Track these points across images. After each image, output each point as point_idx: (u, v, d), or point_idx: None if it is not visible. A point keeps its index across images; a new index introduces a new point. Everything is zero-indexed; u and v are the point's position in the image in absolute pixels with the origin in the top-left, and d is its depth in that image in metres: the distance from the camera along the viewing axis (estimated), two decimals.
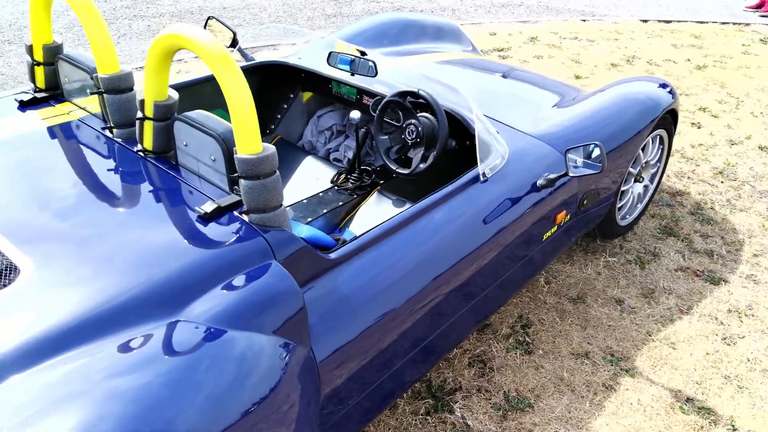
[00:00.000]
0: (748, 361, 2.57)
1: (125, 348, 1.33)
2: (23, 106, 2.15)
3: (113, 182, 1.79)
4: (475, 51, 4.09)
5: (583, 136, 2.69)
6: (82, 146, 1.94)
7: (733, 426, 2.28)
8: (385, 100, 2.56)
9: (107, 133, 2.01)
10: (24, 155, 1.87)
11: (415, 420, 2.25)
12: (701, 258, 3.20)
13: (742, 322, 2.79)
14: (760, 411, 2.35)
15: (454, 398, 2.34)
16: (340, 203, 2.75)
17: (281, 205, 1.67)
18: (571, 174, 2.31)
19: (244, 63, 3.11)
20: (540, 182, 2.38)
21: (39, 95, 2.19)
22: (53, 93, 2.22)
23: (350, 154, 3.18)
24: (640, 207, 3.36)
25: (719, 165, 4.12)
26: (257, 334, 1.47)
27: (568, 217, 2.62)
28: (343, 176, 2.89)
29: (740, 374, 2.51)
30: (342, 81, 2.98)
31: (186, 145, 1.82)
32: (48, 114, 2.11)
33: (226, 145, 1.69)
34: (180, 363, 1.32)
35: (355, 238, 1.86)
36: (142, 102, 1.83)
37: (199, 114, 1.78)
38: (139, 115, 1.86)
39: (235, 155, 1.59)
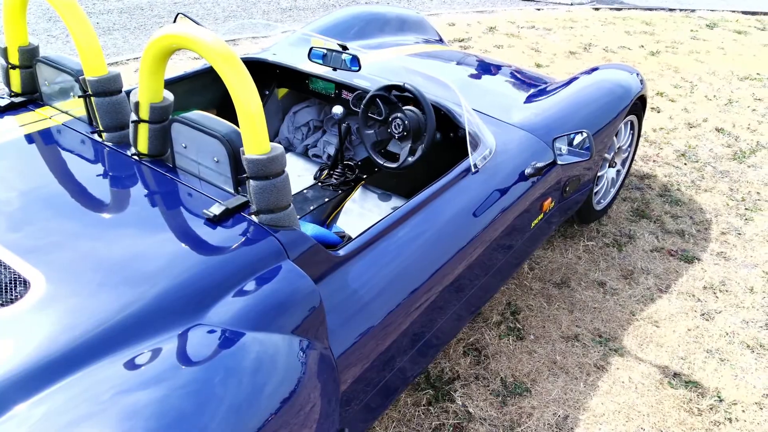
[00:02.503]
0: (727, 335, 2.69)
1: (138, 362, 1.30)
2: (0, 111, 2.06)
3: (110, 189, 1.73)
4: (441, 42, 4.11)
5: (563, 124, 2.75)
6: (71, 152, 1.87)
7: (719, 397, 2.39)
8: (370, 94, 2.55)
9: (96, 137, 1.95)
10: (10, 163, 1.80)
11: (418, 411, 2.27)
12: (674, 238, 3.32)
13: (717, 297, 2.91)
14: (743, 381, 2.46)
15: (453, 387, 2.37)
16: (326, 199, 2.74)
17: (290, 204, 1.65)
18: (559, 162, 2.36)
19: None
20: (528, 171, 2.42)
21: (16, 100, 2.10)
22: (31, 97, 2.14)
23: (330, 150, 3.17)
24: (612, 191, 3.46)
25: (681, 148, 4.27)
26: (278, 335, 1.46)
27: (553, 204, 2.68)
28: (326, 172, 2.88)
29: (721, 347, 2.62)
30: (320, 76, 2.96)
31: (185, 147, 1.78)
32: (29, 119, 2.03)
33: (231, 146, 1.67)
34: (200, 372, 1.29)
35: (360, 234, 1.86)
36: (137, 104, 1.78)
37: (199, 115, 1.74)
38: (134, 117, 1.81)
39: (243, 156, 1.57)
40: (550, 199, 2.63)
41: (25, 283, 1.38)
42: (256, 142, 1.55)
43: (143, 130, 1.82)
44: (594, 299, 2.87)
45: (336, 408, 1.60)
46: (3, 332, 1.28)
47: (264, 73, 3.23)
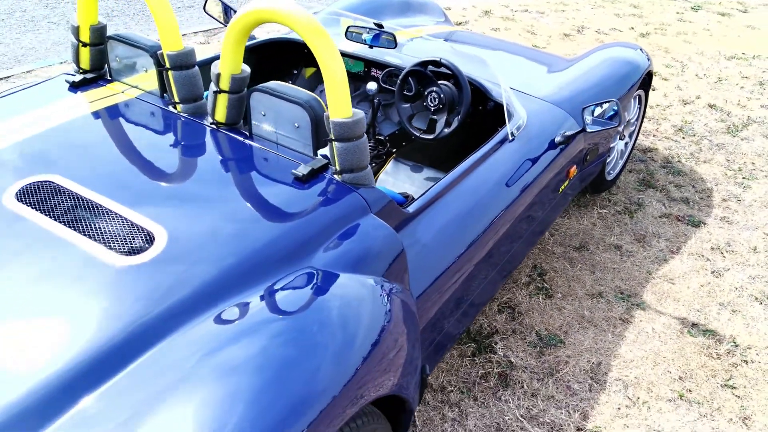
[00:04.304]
0: (736, 289, 2.92)
1: (228, 317, 1.37)
2: (74, 87, 2.18)
3: (198, 155, 1.88)
4: (448, 22, 4.27)
5: (585, 97, 2.94)
6: (152, 123, 2.01)
7: (735, 343, 2.62)
8: (407, 69, 2.71)
9: (171, 109, 2.08)
10: (101, 133, 1.93)
11: (464, 362, 2.46)
12: (679, 205, 3.55)
13: (724, 257, 3.14)
14: (754, 329, 2.70)
15: (493, 341, 2.57)
16: None
17: (368, 164, 1.81)
18: (588, 130, 2.55)
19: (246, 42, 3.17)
20: (557, 139, 2.61)
21: (88, 76, 2.21)
22: (99, 73, 2.26)
23: None
24: (621, 163, 3.68)
25: (678, 123, 4.50)
26: (370, 280, 1.62)
27: (576, 171, 2.87)
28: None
29: (731, 301, 2.85)
30: (351, 54, 3.10)
31: (264, 115, 1.92)
32: (103, 94, 2.15)
33: (313, 111, 1.82)
34: (297, 320, 1.39)
35: (422, 195, 2.03)
36: (218, 75, 1.92)
37: (278, 84, 1.89)
38: (214, 88, 1.95)
39: (329, 120, 1.72)
40: (575, 167, 2.82)
41: (150, 237, 1.52)
42: (342, 107, 1.71)
43: (222, 100, 1.96)
44: (612, 261, 3.08)
45: (419, 351, 1.76)
46: (132, 281, 1.41)
47: (292, 52, 3.36)
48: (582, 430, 2.22)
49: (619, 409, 2.31)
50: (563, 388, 2.38)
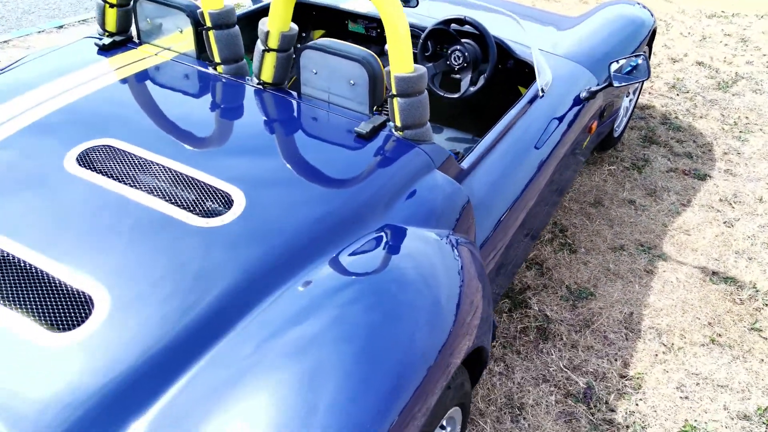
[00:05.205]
0: (749, 238, 3.02)
1: (311, 283, 1.33)
2: (104, 50, 2.09)
3: (252, 117, 1.82)
4: None
5: (600, 53, 2.95)
6: (197, 85, 1.94)
7: (755, 288, 2.71)
8: (430, 27, 2.68)
9: (210, 70, 2.01)
10: (145, 97, 1.85)
11: (502, 318, 2.49)
12: (684, 160, 3.63)
13: (733, 208, 3.23)
14: None
15: (526, 296, 2.60)
16: None
17: (428, 120, 1.79)
18: (615, 84, 2.56)
19: (253, 6, 3.08)
20: (583, 95, 2.62)
21: (117, 38, 2.12)
22: (126, 36, 2.17)
23: None
24: (625, 120, 3.72)
25: (670, 80, 4.58)
26: (441, 235, 1.61)
27: (596, 126, 2.90)
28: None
29: (746, 249, 2.95)
30: (365, 15, 3.04)
31: (315, 74, 1.88)
32: (136, 56, 2.06)
33: (371, 68, 1.78)
34: (392, 279, 1.36)
35: (470, 152, 2.02)
36: (267, 33, 1.86)
37: (331, 41, 1.84)
38: (262, 46, 1.89)
39: (393, 75, 1.69)
40: (595, 123, 2.85)
41: (228, 199, 1.48)
42: (405, 62, 1.68)
43: (270, 59, 1.90)
44: (628, 215, 3.14)
45: (491, 300, 1.75)
46: (217, 243, 1.38)
47: (301, 15, 3.28)
48: (625, 377, 2.28)
49: (656, 355, 2.38)
50: (600, 339, 2.43)
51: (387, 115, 2.11)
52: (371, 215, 1.56)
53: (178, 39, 2.10)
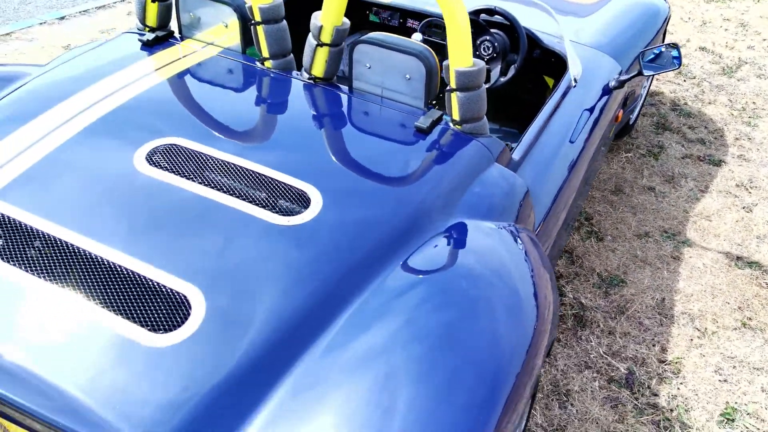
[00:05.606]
0: None
1: (389, 286, 1.34)
2: (148, 46, 2.06)
3: (312, 113, 1.81)
4: None
5: (622, 41, 2.98)
6: (250, 81, 1.92)
7: None
8: None
9: (258, 65, 2.00)
10: (201, 93, 1.83)
11: None
12: (697, 146, 3.68)
13: (750, 193, 3.30)
14: None
15: (560, 284, 2.64)
16: None
17: (485, 114, 1.81)
18: (646, 73, 2.59)
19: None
20: (612, 84, 2.65)
21: (159, 34, 2.09)
22: (168, 31, 2.14)
23: None
24: (638, 107, 3.76)
25: None
26: (510, 226, 1.63)
27: (622, 115, 2.93)
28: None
29: (767, 233, 3.01)
30: (387, 5, 3.03)
31: (369, 68, 1.87)
32: (182, 52, 2.04)
33: (428, 62, 1.78)
34: (461, 275, 1.38)
35: (519, 142, 2.03)
36: (320, 28, 1.85)
37: (385, 35, 1.84)
38: (314, 42, 1.88)
39: (453, 69, 1.70)
40: (621, 111, 2.88)
41: (304, 198, 1.48)
42: (465, 56, 1.69)
43: (322, 53, 1.90)
44: (649, 202, 3.19)
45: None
46: (298, 242, 1.38)
47: (313, 5, 3.25)
48: (664, 361, 2.33)
49: (691, 340, 2.43)
50: (636, 325, 2.48)
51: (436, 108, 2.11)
52: (440, 211, 1.57)
53: (221, 33, 2.08)
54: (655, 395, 2.21)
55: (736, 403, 2.20)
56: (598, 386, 2.23)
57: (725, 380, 2.28)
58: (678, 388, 2.24)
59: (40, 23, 4.59)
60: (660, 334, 2.45)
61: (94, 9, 4.93)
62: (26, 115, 1.69)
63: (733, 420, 2.14)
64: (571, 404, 2.16)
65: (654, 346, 2.40)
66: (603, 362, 2.32)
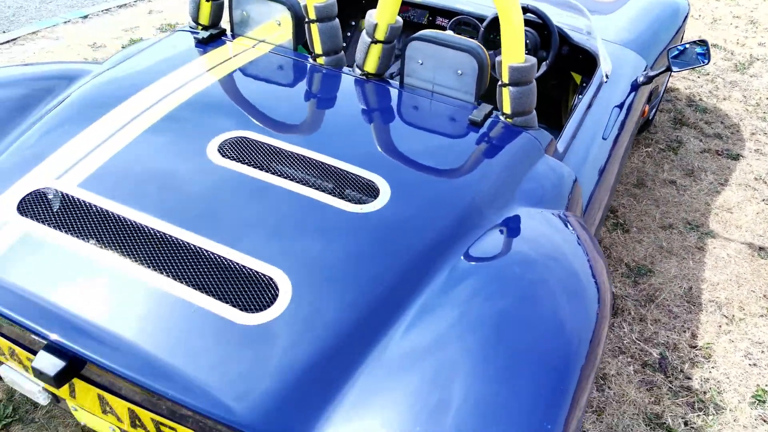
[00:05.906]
0: None
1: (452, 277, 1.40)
2: (203, 43, 2.13)
3: (371, 107, 1.89)
4: None
5: (646, 38, 3.06)
6: (306, 77, 2.00)
7: None
8: (491, 16, 2.75)
9: (311, 61, 2.08)
10: (262, 88, 1.91)
11: None
12: (715, 141, 3.77)
13: None
14: None
15: None
16: None
17: (534, 108, 1.89)
18: (675, 70, 2.68)
19: None
20: (640, 79, 2.73)
21: (213, 31, 2.17)
22: (220, 29, 2.21)
23: None
24: (658, 103, 3.85)
25: None
26: (562, 214, 1.71)
27: (647, 110, 3.02)
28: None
29: None
30: (417, 3, 3.11)
31: (421, 64, 1.95)
32: (237, 49, 2.11)
33: (480, 58, 1.86)
34: (515, 261, 1.44)
35: (562, 134, 2.12)
36: (375, 25, 1.93)
37: (436, 33, 1.92)
38: (367, 39, 1.96)
39: (506, 65, 1.78)
40: (647, 106, 2.96)
41: (373, 188, 1.56)
42: (517, 51, 1.77)
43: (375, 50, 1.98)
44: (672, 195, 3.27)
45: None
46: (372, 228, 1.46)
47: (350, 4, 3.34)
48: (695, 347, 2.42)
49: (720, 326, 2.52)
50: (665, 312, 2.57)
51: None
52: (497, 200, 1.66)
53: (273, 30, 2.16)
54: (689, 378, 2.30)
55: (766, 385, 2.29)
56: (633, 370, 2.31)
57: (755, 364, 2.37)
58: (710, 372, 2.33)
59: (65, 22, 4.66)
60: (689, 321, 2.54)
61: (116, 8, 5.00)
62: (97, 111, 1.77)
63: (764, 402, 2.23)
64: (609, 387, 2.24)
65: (684, 332, 2.48)
66: (636, 348, 2.40)
